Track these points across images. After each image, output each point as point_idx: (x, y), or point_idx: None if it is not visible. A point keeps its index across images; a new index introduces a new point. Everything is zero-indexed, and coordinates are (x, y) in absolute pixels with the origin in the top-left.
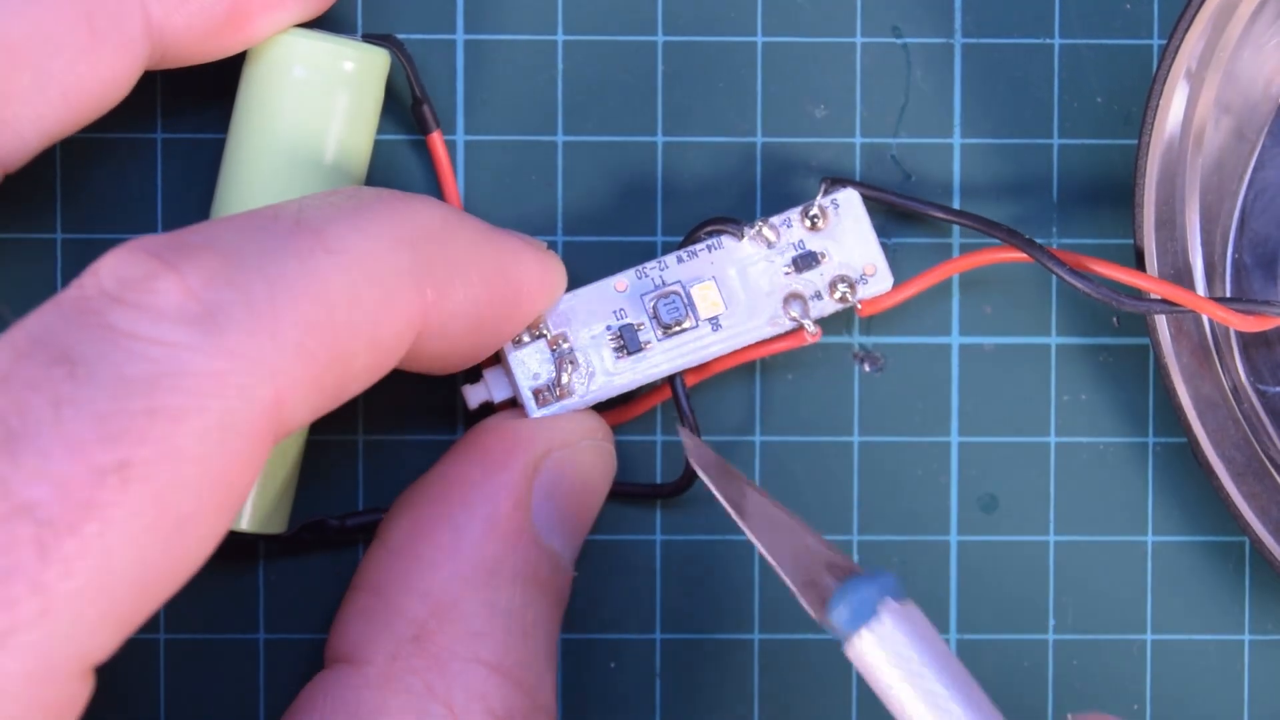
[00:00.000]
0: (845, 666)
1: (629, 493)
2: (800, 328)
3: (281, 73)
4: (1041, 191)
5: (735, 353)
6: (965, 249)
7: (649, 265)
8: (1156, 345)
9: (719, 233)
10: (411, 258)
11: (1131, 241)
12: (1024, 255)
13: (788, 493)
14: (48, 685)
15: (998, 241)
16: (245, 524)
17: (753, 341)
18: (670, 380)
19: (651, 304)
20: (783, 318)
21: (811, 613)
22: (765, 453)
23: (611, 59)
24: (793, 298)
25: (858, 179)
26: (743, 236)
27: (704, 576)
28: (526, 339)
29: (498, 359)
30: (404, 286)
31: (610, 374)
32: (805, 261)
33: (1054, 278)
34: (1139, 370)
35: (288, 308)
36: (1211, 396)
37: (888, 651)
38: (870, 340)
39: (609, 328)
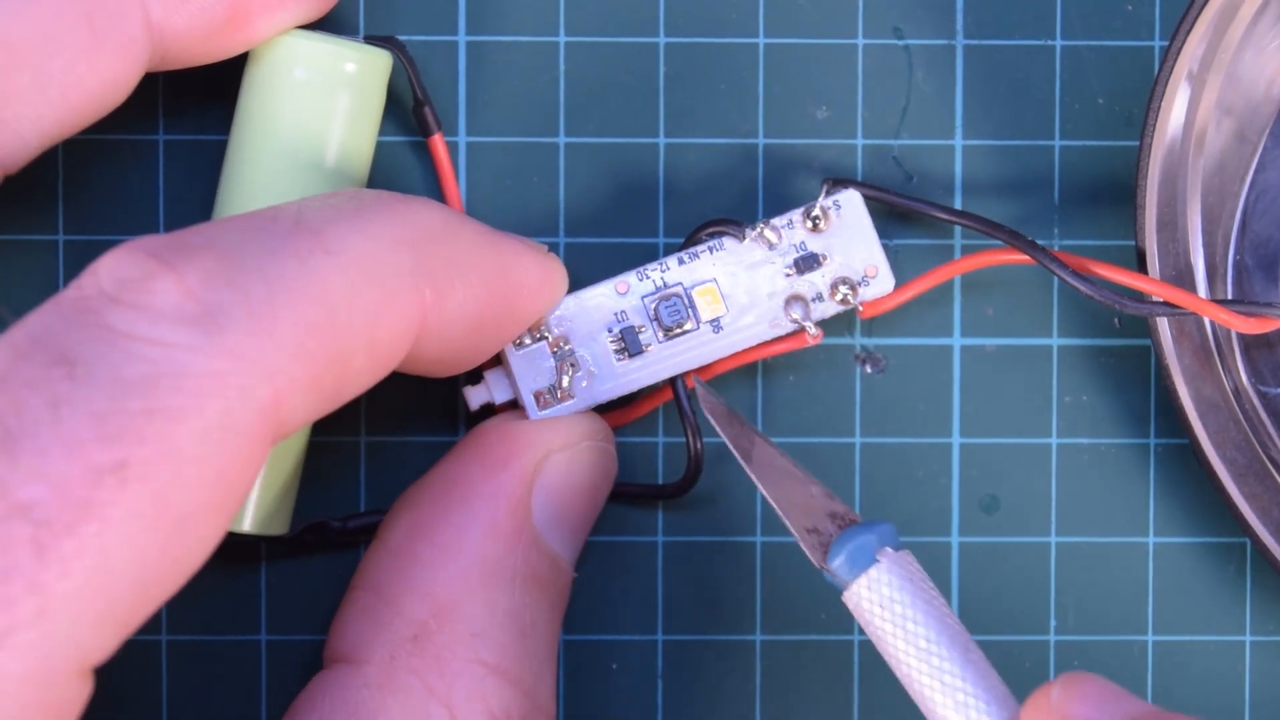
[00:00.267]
0: (847, 667)
1: (630, 494)
2: (801, 329)
3: (283, 74)
4: (1043, 192)
5: (737, 354)
6: (967, 250)
7: (650, 267)
8: (1158, 346)
9: (720, 234)
10: (411, 259)
11: (1133, 243)
12: (1026, 257)
13: None
14: (46, 685)
15: (999, 243)
16: (247, 525)
17: (754, 343)
18: (671, 382)
19: (653, 306)
20: (784, 319)
21: (812, 559)
22: None
23: (613, 60)
24: (794, 299)
25: (859, 180)
26: (744, 238)
27: (705, 578)
28: (528, 341)
29: (499, 361)
30: (404, 288)
31: (611, 376)
32: (807, 263)
33: (1055, 279)
34: (1140, 371)
35: (287, 308)
36: (1213, 398)
37: (881, 599)
38: (872, 341)
39: (610, 330)
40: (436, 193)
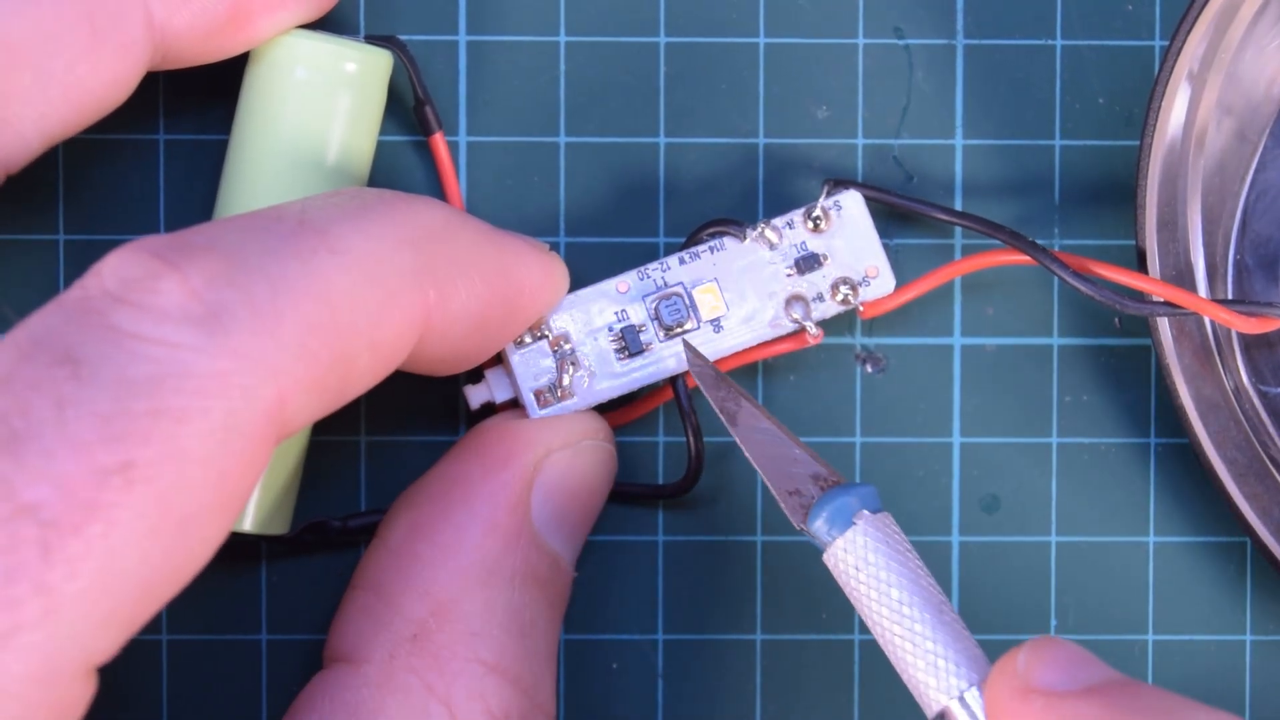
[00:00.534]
0: (847, 667)
1: (631, 494)
2: (802, 329)
3: (284, 74)
4: (1043, 192)
5: (737, 354)
6: (967, 250)
7: (651, 266)
8: (1158, 346)
9: (721, 234)
10: (414, 258)
11: (1133, 243)
12: (1026, 257)
13: None
14: (51, 686)
15: (1000, 243)
16: (248, 525)
17: (755, 343)
18: (672, 381)
19: (653, 305)
20: (784, 319)
21: (793, 520)
22: None
23: (614, 60)
24: (795, 299)
25: (860, 180)
26: (745, 238)
27: (706, 577)
28: (528, 340)
29: (499, 360)
30: (406, 287)
31: (612, 375)
32: (807, 263)
33: (1056, 279)
34: (1141, 371)
35: (290, 308)
36: (1213, 397)
37: (858, 560)
38: (872, 341)
39: (611, 329)
40: (437, 192)
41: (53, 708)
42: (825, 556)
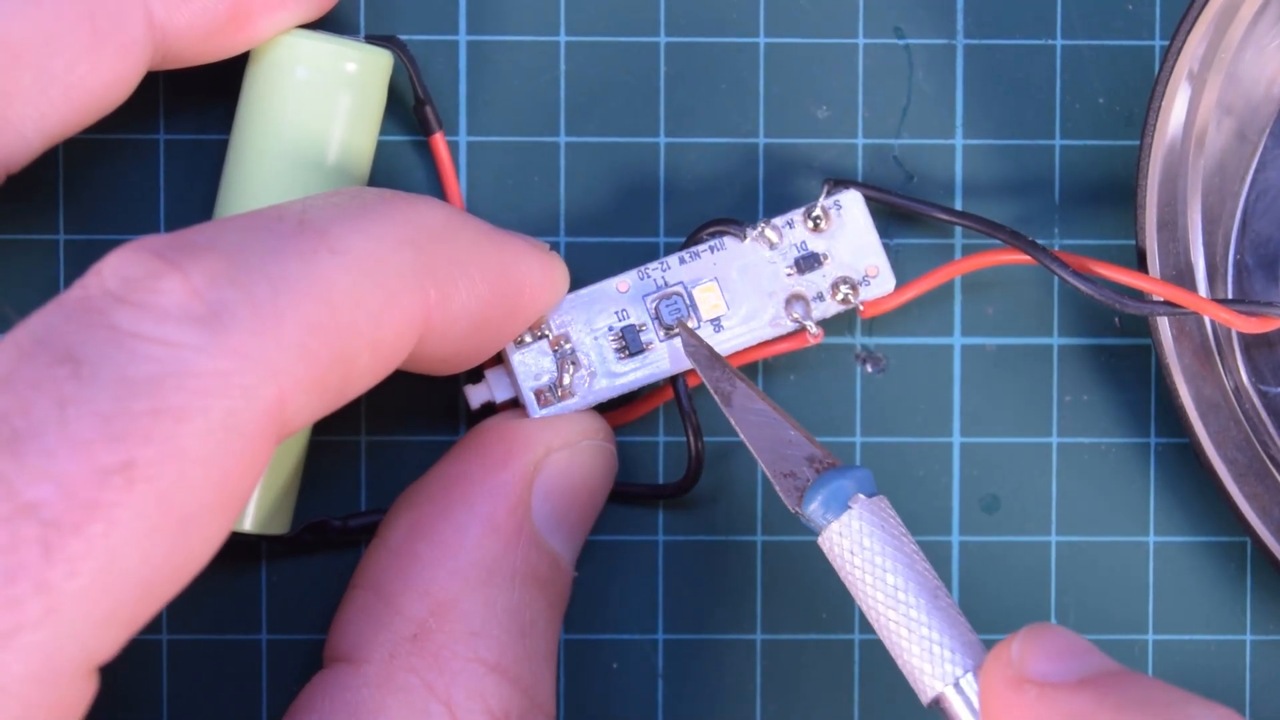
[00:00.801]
0: (847, 667)
1: (631, 493)
2: (802, 329)
3: (284, 73)
4: (1043, 192)
5: (737, 354)
6: (967, 250)
7: (651, 266)
8: (1158, 346)
9: (721, 234)
10: (414, 258)
11: (1133, 242)
12: (1026, 257)
13: None
14: (52, 685)
15: (1000, 243)
16: (248, 525)
17: (755, 343)
18: (672, 381)
19: (653, 305)
20: (785, 319)
21: (787, 503)
22: None
23: (614, 60)
24: (795, 299)
25: (860, 180)
26: (745, 237)
27: (706, 577)
28: (529, 339)
29: (500, 359)
30: (407, 287)
31: (612, 375)
32: (807, 263)
33: (1056, 278)
34: (1141, 371)
35: (291, 308)
36: (1213, 397)
37: (853, 544)
38: (872, 341)
39: (611, 328)
40: (437, 192)
41: (53, 707)
42: (820, 540)
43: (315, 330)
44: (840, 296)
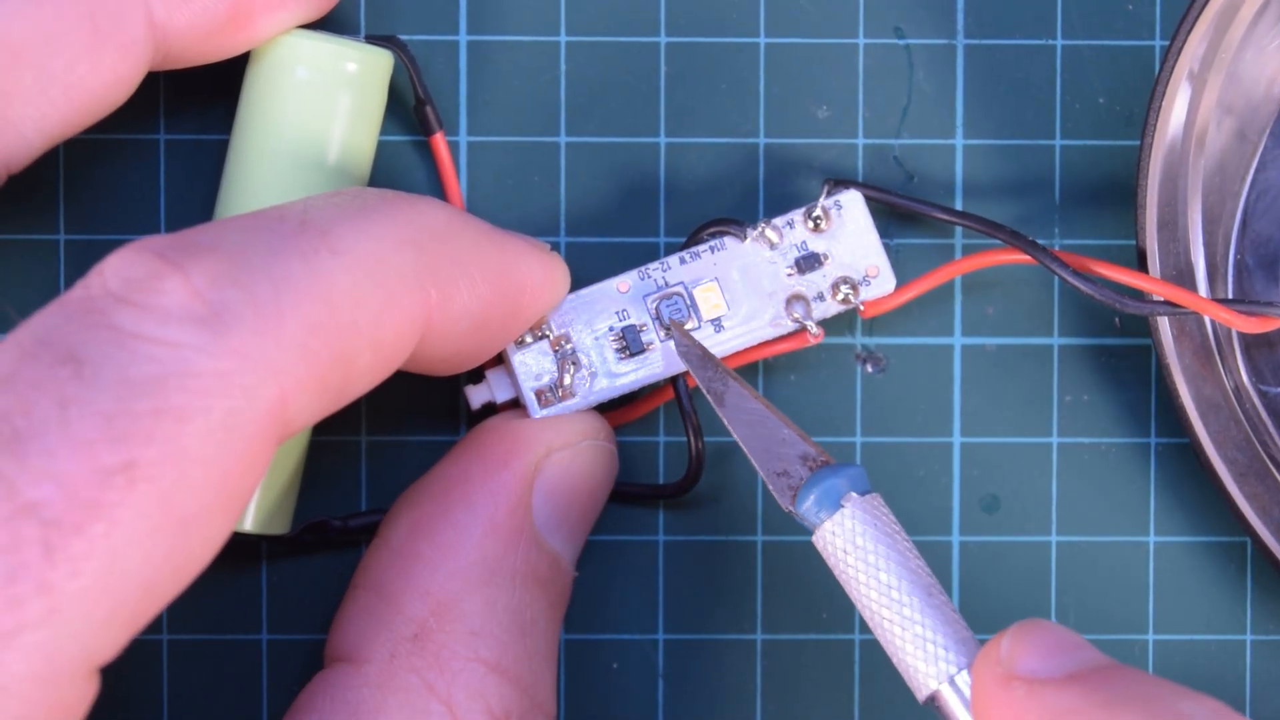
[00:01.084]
0: (847, 667)
1: (631, 493)
2: (803, 329)
3: (284, 73)
4: (1044, 192)
5: (738, 354)
6: (967, 250)
7: (651, 266)
8: (1158, 346)
9: (721, 234)
10: (415, 258)
11: (1134, 242)
12: (1026, 257)
13: None
14: (53, 685)
15: (1000, 243)
16: (248, 525)
17: (755, 343)
18: (673, 381)
19: (654, 305)
20: (785, 319)
21: (780, 502)
22: None
23: (614, 60)
24: (795, 299)
25: (860, 180)
26: (745, 238)
27: (706, 577)
28: (529, 340)
29: (500, 360)
30: (408, 287)
31: (613, 375)
32: (808, 263)
33: (1056, 278)
34: (1141, 371)
35: (293, 308)
36: (1213, 397)
37: (847, 542)
38: (873, 341)
39: (611, 329)
40: (438, 192)
41: (54, 707)
42: (814, 538)
43: (316, 330)
44: (840, 296)
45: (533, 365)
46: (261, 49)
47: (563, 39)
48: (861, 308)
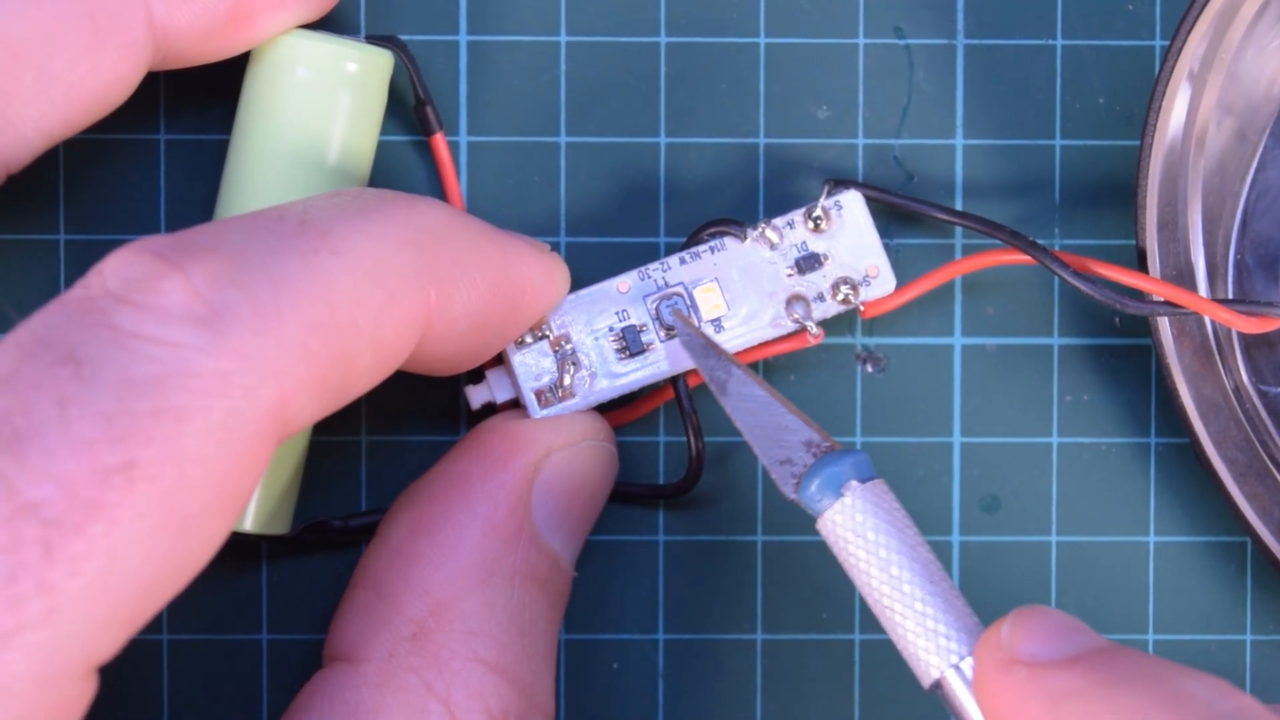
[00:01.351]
0: (847, 667)
1: (631, 494)
2: (803, 329)
3: (285, 73)
4: (1044, 192)
5: (738, 354)
6: (968, 250)
7: (651, 266)
8: (1158, 346)
9: (722, 234)
10: (416, 259)
11: (1133, 242)
12: (1026, 257)
13: None
14: (53, 685)
15: (1000, 243)
16: (248, 525)
17: (755, 343)
18: (673, 381)
19: (654, 305)
20: (785, 319)
21: (782, 490)
22: None
23: (614, 60)
24: (795, 299)
25: (860, 180)
26: (745, 238)
27: (706, 577)
28: (529, 340)
29: (500, 360)
30: (408, 287)
31: (613, 375)
32: (808, 263)
33: (1056, 279)
34: (1141, 371)
35: (293, 308)
36: (1213, 397)
37: (852, 528)
38: (873, 341)
39: (611, 329)
40: (438, 192)
41: (54, 707)
42: (818, 525)
43: (316, 330)
44: (841, 297)
45: (533, 365)
46: (261, 49)
47: (563, 39)
48: (861, 308)
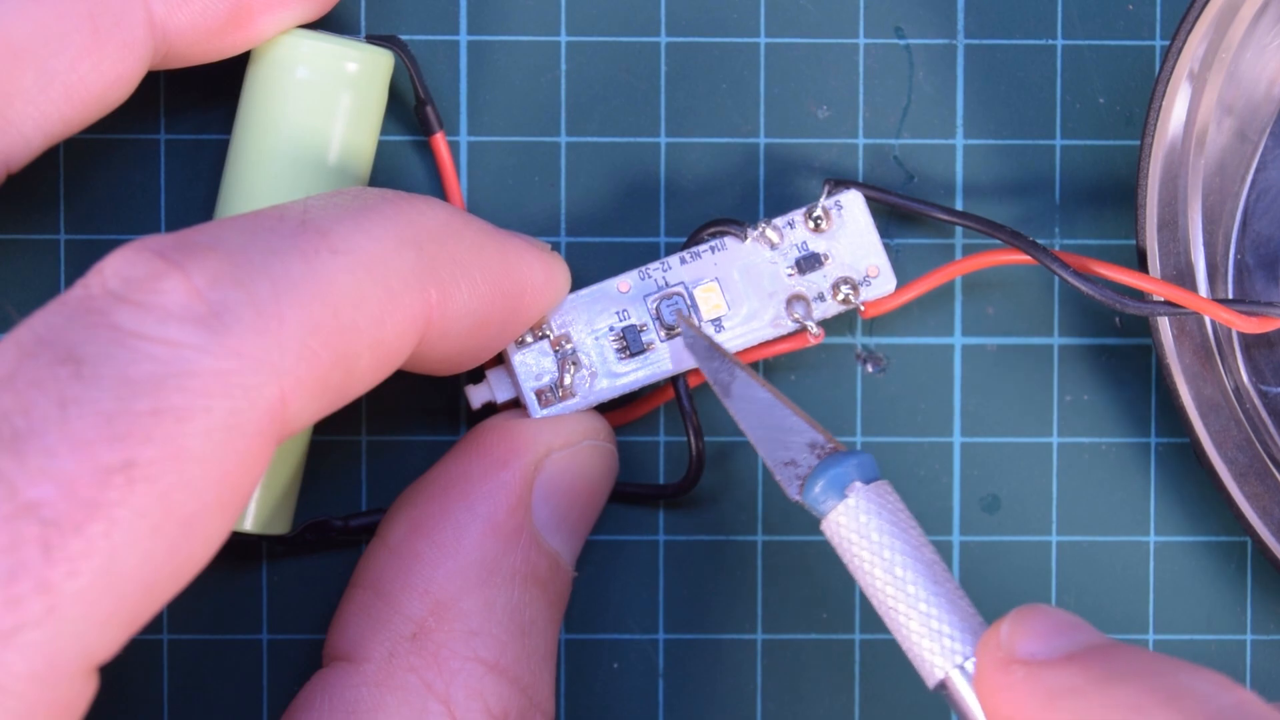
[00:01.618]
0: (847, 667)
1: (632, 493)
2: (803, 329)
3: (285, 73)
4: (1044, 192)
5: (738, 354)
6: (968, 250)
7: (652, 266)
8: (1159, 346)
9: (722, 234)
10: (416, 258)
11: (1134, 242)
12: (1027, 257)
13: None
14: (52, 684)
15: (1000, 243)
16: (249, 524)
17: (756, 343)
18: (673, 381)
19: (654, 305)
20: (786, 319)
21: (786, 492)
22: None
23: (614, 60)
24: (796, 299)
25: (860, 180)
26: (746, 238)
27: (706, 577)
28: (530, 339)
29: (500, 360)
30: (408, 287)
31: (613, 375)
32: (808, 263)
33: (1056, 278)
34: (1141, 371)
35: (293, 308)
36: (1213, 397)
37: (857, 529)
38: (873, 341)
39: (612, 328)
40: (438, 192)
41: (54, 706)
42: (822, 526)
43: (317, 330)
44: (841, 296)
45: (533, 365)
46: (262, 49)
47: (563, 39)
48: (862, 308)
